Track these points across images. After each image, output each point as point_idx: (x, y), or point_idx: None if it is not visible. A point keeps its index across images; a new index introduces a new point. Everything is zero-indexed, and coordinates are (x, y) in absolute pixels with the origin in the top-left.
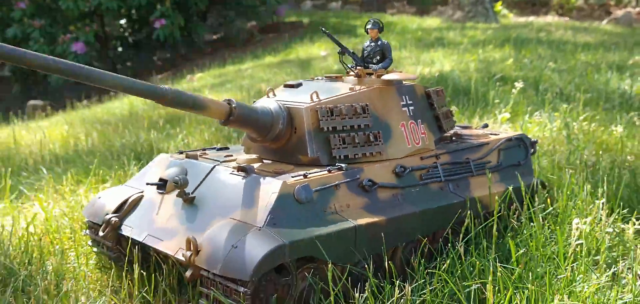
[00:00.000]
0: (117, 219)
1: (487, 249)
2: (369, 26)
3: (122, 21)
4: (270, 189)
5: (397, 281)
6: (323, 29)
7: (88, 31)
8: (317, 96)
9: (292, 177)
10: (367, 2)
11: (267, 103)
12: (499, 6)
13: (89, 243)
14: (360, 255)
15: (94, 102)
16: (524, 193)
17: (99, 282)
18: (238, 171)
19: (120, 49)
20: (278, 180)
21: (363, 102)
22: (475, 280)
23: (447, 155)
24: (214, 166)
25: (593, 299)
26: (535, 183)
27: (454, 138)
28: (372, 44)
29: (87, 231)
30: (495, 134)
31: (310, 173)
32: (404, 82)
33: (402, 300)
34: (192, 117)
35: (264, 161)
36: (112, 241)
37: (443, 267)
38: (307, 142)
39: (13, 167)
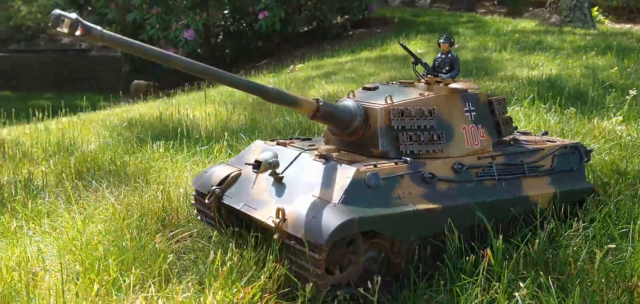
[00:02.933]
0: (220, 191)
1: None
2: (441, 41)
3: (225, 11)
4: (345, 173)
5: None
6: (400, 42)
7: (198, 19)
8: (391, 99)
9: (364, 165)
10: (456, 0)
11: (347, 103)
12: (595, 11)
13: (195, 210)
14: (416, 235)
15: (204, 86)
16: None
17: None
18: (319, 158)
19: (220, 37)
20: (352, 167)
21: (430, 107)
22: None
23: (503, 157)
24: (300, 153)
25: None
26: (586, 188)
27: (512, 143)
28: (443, 56)
29: (194, 200)
30: (552, 141)
31: (379, 163)
32: (469, 91)
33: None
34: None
35: (341, 151)
36: (214, 209)
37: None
38: (379, 137)
39: (190, 136)
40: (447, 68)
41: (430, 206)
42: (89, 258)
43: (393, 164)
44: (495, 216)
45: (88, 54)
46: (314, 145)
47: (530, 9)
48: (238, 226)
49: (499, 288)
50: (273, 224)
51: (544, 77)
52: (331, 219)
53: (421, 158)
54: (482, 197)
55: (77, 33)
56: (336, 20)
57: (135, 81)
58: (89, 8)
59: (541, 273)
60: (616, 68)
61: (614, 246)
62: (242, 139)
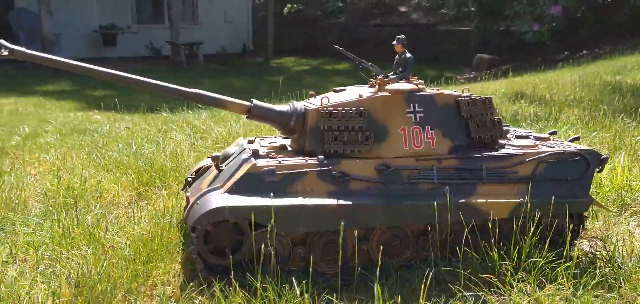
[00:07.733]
0: (191, 180)
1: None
2: (394, 42)
3: None
4: (244, 167)
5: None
6: (336, 46)
7: None
8: (328, 99)
9: (268, 161)
10: None
11: (291, 104)
12: None
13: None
14: (307, 228)
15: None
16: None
17: None
18: (251, 153)
19: (581, 11)
20: (253, 161)
21: (362, 108)
22: None
23: (455, 160)
24: (244, 148)
25: None
26: (579, 201)
27: (496, 147)
28: (397, 57)
29: None
30: (552, 147)
31: (284, 159)
32: (418, 92)
33: None
34: None
35: (288, 148)
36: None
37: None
38: (307, 136)
39: None
40: (400, 69)
41: (324, 201)
42: None
43: (302, 161)
44: (426, 220)
45: (435, 28)
46: (273, 142)
47: None
48: None
49: None
50: None
51: None
52: (204, 206)
53: (346, 157)
54: (411, 200)
55: (4, 52)
56: None
57: (478, 55)
58: None
59: None
60: None
61: None
62: None
